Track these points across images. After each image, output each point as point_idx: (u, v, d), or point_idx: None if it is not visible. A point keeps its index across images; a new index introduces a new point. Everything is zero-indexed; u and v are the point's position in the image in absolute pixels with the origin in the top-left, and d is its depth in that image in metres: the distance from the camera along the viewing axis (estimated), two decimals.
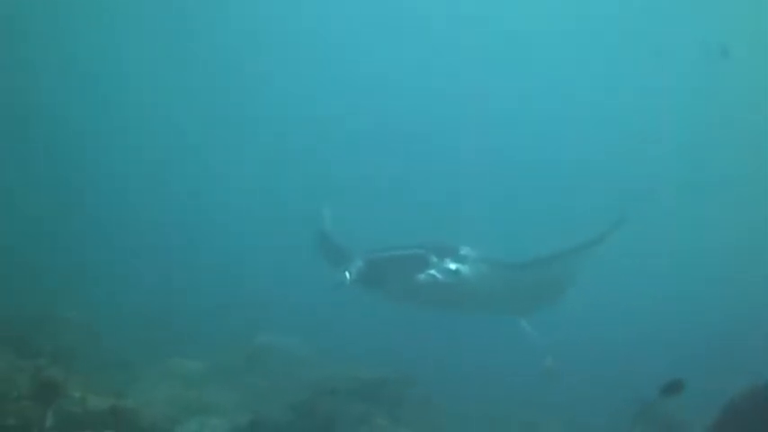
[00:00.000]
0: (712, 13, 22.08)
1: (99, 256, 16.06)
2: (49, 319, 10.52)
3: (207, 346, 11.63)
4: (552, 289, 9.38)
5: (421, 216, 18.06)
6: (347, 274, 7.86)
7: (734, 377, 6.42)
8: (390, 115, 25.52)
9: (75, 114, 23.72)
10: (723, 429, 6.11)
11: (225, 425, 8.03)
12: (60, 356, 8.24)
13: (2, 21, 20.33)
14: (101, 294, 12.69)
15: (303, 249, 11.73)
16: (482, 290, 8.66)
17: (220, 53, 25.41)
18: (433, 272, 8.23)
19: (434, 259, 8.30)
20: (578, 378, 10.93)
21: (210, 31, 25.07)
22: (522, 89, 26.10)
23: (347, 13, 26.46)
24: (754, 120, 23.30)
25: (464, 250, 8.60)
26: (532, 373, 9.51)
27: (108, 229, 18.16)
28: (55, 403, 6.31)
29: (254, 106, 25.95)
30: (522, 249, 9.43)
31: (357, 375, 9.63)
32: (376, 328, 12.44)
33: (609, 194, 18.80)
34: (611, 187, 20.43)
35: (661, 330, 14.60)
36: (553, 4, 25.83)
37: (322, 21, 26.50)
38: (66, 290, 12.04)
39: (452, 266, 8.35)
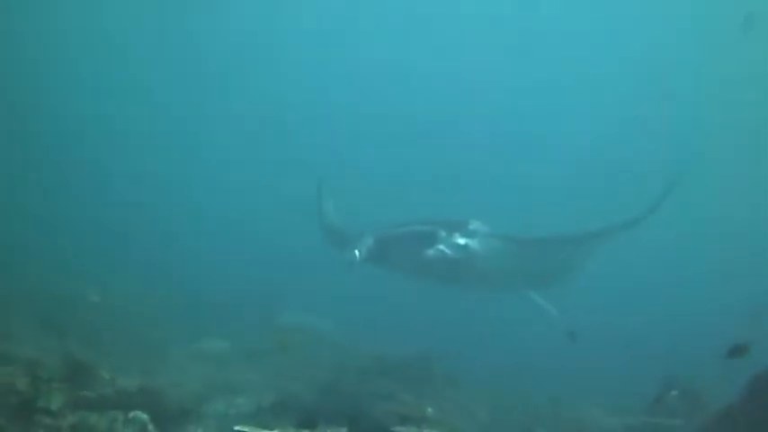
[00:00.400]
0: None
1: (124, 242, 16.19)
2: (78, 302, 10.64)
3: (232, 326, 11.72)
4: (563, 268, 9.26)
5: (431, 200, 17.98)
6: (357, 252, 7.83)
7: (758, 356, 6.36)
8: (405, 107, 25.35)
9: (96, 111, 23.93)
10: (748, 403, 6.09)
11: (251, 404, 8.06)
12: (89, 339, 8.36)
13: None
14: (128, 279, 12.78)
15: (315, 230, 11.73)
16: (492, 264, 8.57)
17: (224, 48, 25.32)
18: (441, 247, 8.15)
19: (443, 234, 8.23)
20: (597, 355, 10.94)
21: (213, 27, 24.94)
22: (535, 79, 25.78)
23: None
24: None
25: (473, 225, 8.50)
26: (552, 341, 9.46)
27: (131, 218, 18.30)
28: (85, 384, 6.38)
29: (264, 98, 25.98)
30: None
31: (382, 353, 9.65)
32: (399, 305, 12.47)
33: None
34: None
35: (679, 313, 14.56)
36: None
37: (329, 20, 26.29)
38: (94, 275, 12.15)
39: (461, 241, 8.27)
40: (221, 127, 25.91)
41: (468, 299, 10.94)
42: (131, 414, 6.01)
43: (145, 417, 6.02)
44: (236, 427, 5.98)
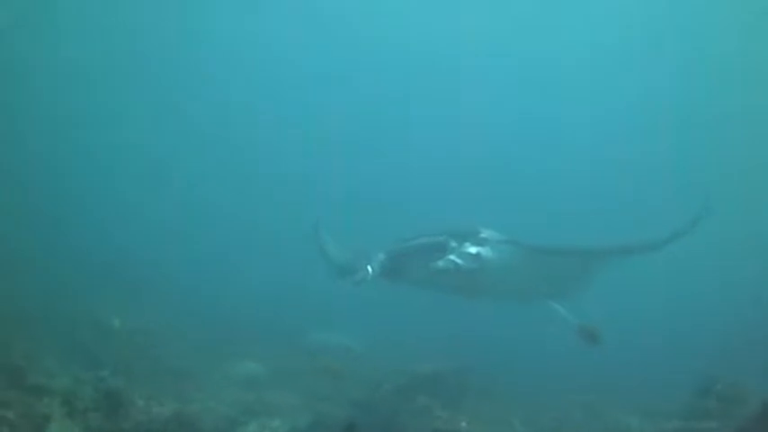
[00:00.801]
0: None
1: (145, 265, 16.25)
2: (108, 329, 10.68)
3: (262, 347, 11.71)
4: (579, 278, 9.10)
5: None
6: (369, 268, 7.79)
7: None
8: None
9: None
10: None
11: (286, 426, 8.03)
12: (121, 366, 8.37)
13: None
14: (155, 303, 12.83)
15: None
16: (506, 272, 8.44)
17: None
18: (452, 257, 8.06)
19: (454, 244, 8.14)
20: (631, 358, 10.73)
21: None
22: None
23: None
24: None
25: (484, 233, 8.40)
26: (573, 343, 9.33)
27: (151, 240, 18.37)
28: (119, 412, 6.39)
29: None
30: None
31: (414, 369, 9.56)
32: (426, 318, 12.27)
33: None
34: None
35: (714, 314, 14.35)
36: None
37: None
38: (120, 299, 12.20)
39: (473, 250, 8.16)
40: (232, 140, 25.95)
41: (493, 308, 10.85)
42: None
43: None
44: None
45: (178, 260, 17.06)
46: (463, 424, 7.88)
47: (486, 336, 12.04)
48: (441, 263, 7.88)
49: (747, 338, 11.70)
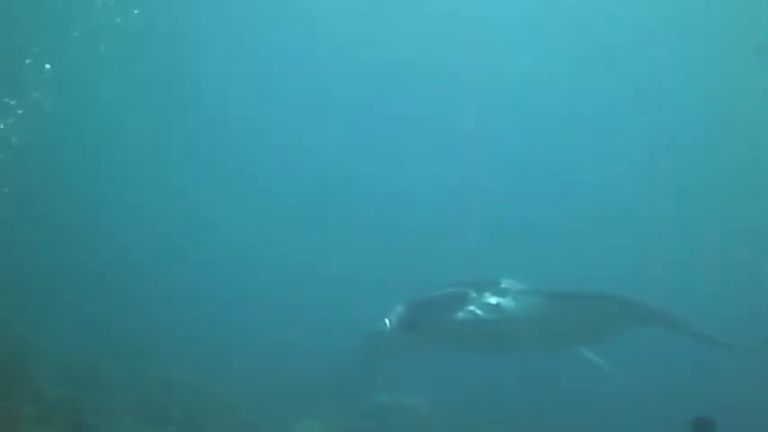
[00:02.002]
0: None
1: (214, 320, 16.29)
2: (174, 383, 10.66)
3: (328, 407, 11.46)
4: (607, 328, 8.60)
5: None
6: (387, 321, 7.56)
7: None
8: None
9: None
10: None
11: None
12: (188, 422, 8.30)
13: None
14: (222, 358, 12.80)
15: None
16: (529, 323, 8.04)
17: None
18: (472, 308, 7.74)
19: (473, 295, 7.83)
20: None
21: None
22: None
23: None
24: None
25: (505, 283, 8.05)
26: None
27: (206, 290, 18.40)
28: None
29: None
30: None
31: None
32: (494, 381, 11.80)
33: None
34: None
35: None
36: None
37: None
38: (188, 355, 12.23)
39: (493, 300, 7.82)
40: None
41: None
42: None
43: None
44: None
45: (248, 314, 16.99)
46: None
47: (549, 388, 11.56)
48: (461, 314, 7.61)
49: None
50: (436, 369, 11.92)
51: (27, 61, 15.84)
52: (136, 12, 17.95)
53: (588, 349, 8.85)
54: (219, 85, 24.75)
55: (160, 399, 9.71)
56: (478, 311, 7.77)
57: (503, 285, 8.09)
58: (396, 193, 23.48)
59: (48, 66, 15.90)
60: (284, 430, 10.21)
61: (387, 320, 7.66)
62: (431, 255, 18.28)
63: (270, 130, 24.93)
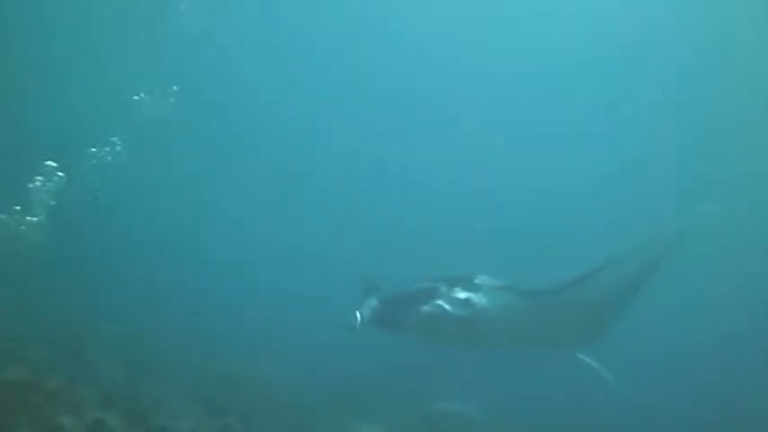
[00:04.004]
0: None
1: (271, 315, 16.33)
2: (234, 376, 10.68)
3: (384, 410, 11.29)
4: (591, 318, 8.05)
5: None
6: (358, 314, 7.34)
7: None
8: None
9: None
10: None
11: None
12: (246, 416, 8.26)
13: None
14: (279, 353, 12.79)
15: None
16: (506, 321, 7.61)
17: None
18: (441, 303, 7.40)
19: (444, 290, 7.50)
20: None
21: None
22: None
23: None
24: None
25: (479, 279, 7.67)
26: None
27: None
28: None
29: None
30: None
31: None
32: (548, 390, 11.82)
33: None
34: None
35: None
36: None
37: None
38: (244, 349, 12.27)
39: (463, 296, 7.45)
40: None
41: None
42: None
43: None
44: None
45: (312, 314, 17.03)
46: None
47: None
48: (427, 308, 7.30)
49: None
50: (483, 373, 11.70)
51: None
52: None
53: (585, 352, 8.43)
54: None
55: (219, 390, 9.74)
56: (447, 306, 7.47)
57: (476, 281, 7.78)
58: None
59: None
60: (338, 430, 10.02)
61: (358, 313, 7.47)
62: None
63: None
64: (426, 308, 7.40)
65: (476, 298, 7.50)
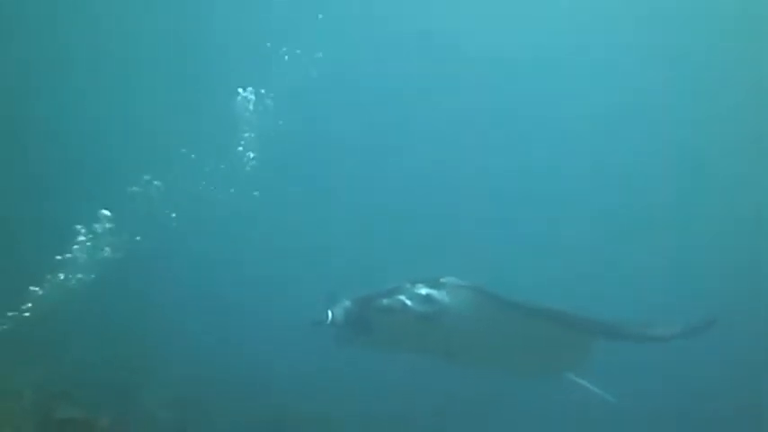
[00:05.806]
0: None
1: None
2: (287, 416, 10.68)
3: None
4: (568, 352, 7.65)
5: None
6: (330, 313, 7.16)
7: None
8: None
9: None
10: None
11: None
12: None
13: None
14: (336, 390, 12.74)
15: None
16: (472, 324, 7.26)
17: None
18: (400, 297, 7.17)
19: (407, 287, 7.28)
20: None
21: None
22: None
23: None
24: None
25: (447, 279, 7.40)
26: None
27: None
28: None
29: None
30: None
31: None
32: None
33: None
34: None
35: None
36: None
37: None
38: (301, 385, 12.26)
39: (424, 291, 7.20)
40: None
41: None
42: None
43: None
44: None
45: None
46: None
47: None
48: (386, 301, 7.11)
49: None
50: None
51: None
52: None
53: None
54: None
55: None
56: (406, 300, 7.27)
57: (441, 280, 7.56)
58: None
59: None
60: None
61: (329, 313, 7.33)
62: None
63: None
64: (386, 301, 7.28)
65: (438, 295, 7.32)
